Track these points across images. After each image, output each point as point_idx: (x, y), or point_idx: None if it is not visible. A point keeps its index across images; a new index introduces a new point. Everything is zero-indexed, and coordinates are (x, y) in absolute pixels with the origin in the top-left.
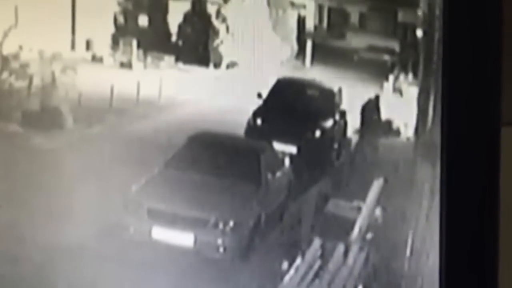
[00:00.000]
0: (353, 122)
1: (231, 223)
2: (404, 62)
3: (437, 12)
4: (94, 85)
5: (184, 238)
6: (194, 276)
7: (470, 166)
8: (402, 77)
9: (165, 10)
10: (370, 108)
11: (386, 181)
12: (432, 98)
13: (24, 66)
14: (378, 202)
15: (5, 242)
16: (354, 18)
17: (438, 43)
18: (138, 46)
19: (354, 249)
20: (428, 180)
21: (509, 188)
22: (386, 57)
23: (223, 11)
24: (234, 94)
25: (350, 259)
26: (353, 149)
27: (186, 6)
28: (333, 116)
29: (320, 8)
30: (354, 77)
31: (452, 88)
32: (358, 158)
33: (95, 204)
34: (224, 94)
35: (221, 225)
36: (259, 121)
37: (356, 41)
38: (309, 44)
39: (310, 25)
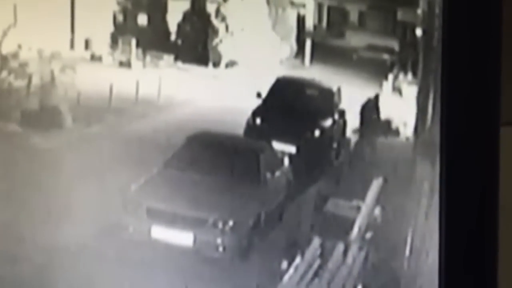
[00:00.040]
0: (353, 121)
1: (231, 223)
2: (404, 61)
3: (437, 11)
4: (93, 84)
5: (184, 238)
6: (194, 275)
7: (469, 165)
8: (401, 76)
9: (164, 9)
10: (370, 108)
11: (385, 180)
12: (431, 97)
13: (23, 65)
14: (377, 201)
15: (4, 242)
16: (354, 17)
17: (438, 42)
18: (137, 45)
19: (353, 248)
20: (427, 179)
21: (508, 187)
22: (386, 56)
23: (222, 10)
24: (233, 93)
25: (350, 258)
26: (353, 149)
27: (186, 5)
28: (332, 115)
29: (319, 7)
30: (353, 76)
31: (452, 88)
32: (357, 158)
33: (94, 203)
34: (223, 93)
35: (220, 225)
36: (258, 121)
37: (355, 40)
38: (308, 43)
39: (309, 24)
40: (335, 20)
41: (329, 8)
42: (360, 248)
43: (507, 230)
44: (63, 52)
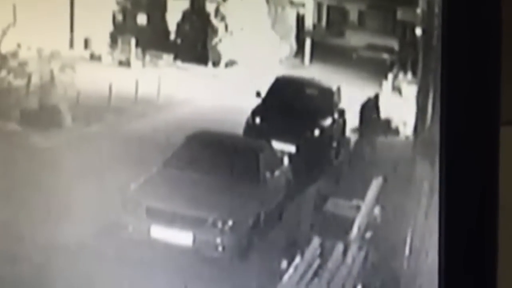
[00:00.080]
0: (352, 121)
1: (230, 222)
2: (403, 61)
3: (436, 10)
4: (93, 84)
5: (183, 237)
6: (193, 274)
7: (469, 165)
8: (401, 75)
9: (163, 9)
10: (370, 107)
11: (385, 180)
12: (431, 96)
13: (23, 64)
14: (377, 201)
15: (4, 241)
16: (353, 16)
17: (437, 41)
18: (137, 44)
19: (353, 248)
20: (427, 179)
21: (508, 187)
22: (385, 56)
23: (222, 9)
24: (233, 92)
25: (349, 258)
26: (352, 148)
27: (185, 5)
28: (332, 115)
29: (319, 6)
30: (353, 75)
31: (451, 87)
32: (357, 157)
33: (93, 203)
34: (223, 93)
35: (220, 224)
36: (258, 120)
37: (355, 39)
38: (308, 43)
39: (309, 23)
40: (335, 19)
41: (328, 8)
42: (360, 248)
43: (507, 230)
44: (63, 52)
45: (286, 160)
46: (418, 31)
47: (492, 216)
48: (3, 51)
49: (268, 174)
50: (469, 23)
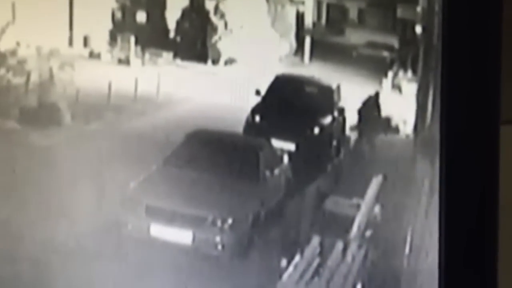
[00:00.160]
0: (352, 119)
1: (230, 221)
2: (403, 59)
3: (436, 8)
4: (92, 82)
5: (183, 236)
6: (193, 273)
7: (469, 164)
8: (401, 73)
9: (163, 6)
10: (370, 105)
11: (385, 178)
12: (431, 94)
13: (22, 62)
14: (377, 199)
15: (3, 240)
16: (353, 14)
17: (437, 39)
18: (136, 42)
19: (353, 246)
20: (427, 177)
21: (508, 186)
22: (385, 54)
23: (221, 7)
24: (232, 90)
25: (349, 257)
26: (352, 146)
27: (184, 2)
28: (331, 113)
29: (318, 4)
30: (353, 73)
31: (451, 86)
32: (357, 155)
33: (93, 201)
34: (222, 91)
35: (219, 223)
36: (257, 118)
37: (355, 37)
38: (307, 41)
39: (308, 21)
40: (335, 17)
41: (328, 5)
42: (360, 246)
43: (507, 228)
44: (62, 49)
45: (286, 158)
46: (418, 29)
47: (492, 215)
48: (2, 49)
49: (267, 173)
50: (470, 21)
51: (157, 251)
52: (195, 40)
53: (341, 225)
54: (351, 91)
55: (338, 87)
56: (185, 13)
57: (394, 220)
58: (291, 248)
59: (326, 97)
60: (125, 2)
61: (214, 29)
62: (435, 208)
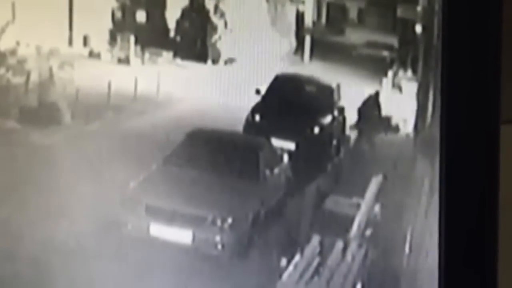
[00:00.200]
0: (352, 118)
1: (230, 220)
2: (403, 58)
3: (436, 7)
4: (92, 81)
5: (182, 235)
6: (192, 273)
7: (469, 163)
8: (401, 73)
9: (163, 6)
10: (370, 105)
11: (385, 177)
12: (431, 94)
13: (22, 62)
14: (377, 198)
15: (3, 239)
16: (353, 14)
17: (438, 38)
18: (136, 42)
19: (353, 246)
20: (427, 177)
21: (508, 185)
22: (385, 53)
23: (221, 6)
24: (232, 90)
25: (349, 256)
26: (352, 146)
27: (184, 1)
28: (331, 112)
29: (319, 3)
30: (353, 73)
31: (452, 85)
32: (357, 155)
33: (93, 200)
34: (222, 90)
35: (219, 222)
36: (257, 117)
37: (355, 36)
38: (307, 40)
39: (308, 20)
40: (335, 16)
41: (328, 5)
42: (360, 246)
43: (507, 228)
44: (62, 49)
45: (285, 158)
46: (418, 29)
47: (492, 215)
48: (2, 48)
49: (267, 172)
50: (470, 20)
51: (157, 250)
52: (195, 40)
53: (341, 225)
54: (351, 91)
55: (338, 87)
56: (185, 12)
57: (394, 219)
58: (291, 247)
59: (326, 97)
60: (125, 2)
61: (214, 29)
62: (435, 208)
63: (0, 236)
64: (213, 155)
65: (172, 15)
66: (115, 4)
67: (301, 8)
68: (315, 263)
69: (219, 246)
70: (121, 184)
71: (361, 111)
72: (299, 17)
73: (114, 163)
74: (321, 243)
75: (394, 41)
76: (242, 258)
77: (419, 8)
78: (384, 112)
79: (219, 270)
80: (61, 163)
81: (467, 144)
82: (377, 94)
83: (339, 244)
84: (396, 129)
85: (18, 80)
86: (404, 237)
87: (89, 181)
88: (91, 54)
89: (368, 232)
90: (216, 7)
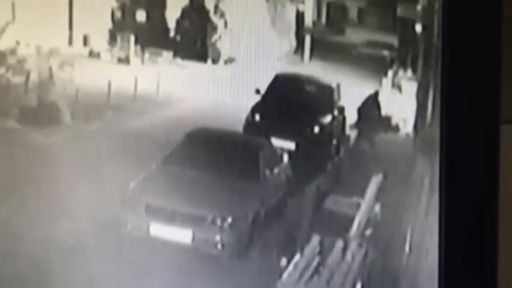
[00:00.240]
0: (352, 118)
1: (229, 220)
2: (403, 58)
3: (436, 6)
4: (92, 81)
5: (182, 235)
6: (192, 272)
7: (469, 163)
8: (401, 72)
9: (163, 5)
10: (370, 104)
11: (385, 177)
12: (431, 93)
13: (21, 61)
14: (377, 198)
15: (3, 239)
16: (353, 13)
17: (438, 38)
18: (136, 41)
19: (353, 245)
20: (427, 176)
21: (508, 185)
22: (385, 53)
23: (221, 6)
24: (232, 89)
25: (349, 256)
26: (352, 145)
27: (184, 1)
28: (331, 112)
29: (318, 2)
30: (353, 72)
31: (452, 85)
32: (357, 154)
33: (92, 200)
34: (222, 90)
35: (219, 222)
36: (257, 117)
37: (355, 36)
38: (307, 39)
39: (308, 20)
40: (335, 16)
41: (328, 4)
42: (360, 245)
43: (507, 228)
44: (62, 49)
45: (285, 157)
46: (418, 28)
47: (492, 215)
48: (2, 48)
49: (267, 171)
50: (470, 20)
51: (157, 250)
52: (195, 39)
53: (341, 224)
54: (351, 90)
55: (338, 86)
56: (185, 12)
57: (394, 219)
58: (291, 247)
59: (326, 96)
60: (125, 1)
61: (214, 28)
62: (435, 208)
63: (0, 236)
64: (213, 155)
65: (172, 14)
66: (115, 4)
67: (301, 7)
68: (315, 263)
69: (219, 246)
70: (121, 184)
71: (361, 111)
72: (299, 16)
73: (114, 163)
74: (321, 243)
75: (394, 40)
76: (242, 257)
77: (419, 7)
78: (384, 111)
79: (219, 270)
80: (61, 163)
81: (467, 144)
82: (376, 93)
83: (339, 244)
84: (396, 128)
85: (18, 79)
86: (404, 237)
87: (89, 181)
88: (91, 54)
89: (368, 231)
90: (216, 7)
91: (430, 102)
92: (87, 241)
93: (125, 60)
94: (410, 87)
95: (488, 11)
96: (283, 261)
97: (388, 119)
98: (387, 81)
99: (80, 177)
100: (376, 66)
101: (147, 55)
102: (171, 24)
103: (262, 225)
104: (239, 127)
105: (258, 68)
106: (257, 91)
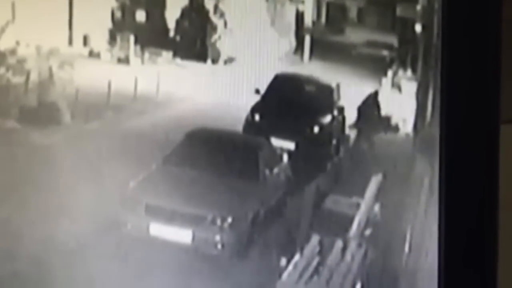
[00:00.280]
0: (352, 118)
1: (229, 220)
2: (403, 57)
3: (436, 6)
4: (92, 81)
5: (182, 235)
6: (192, 272)
7: (469, 163)
8: (400, 72)
9: (162, 5)
10: (369, 104)
11: (384, 177)
12: (431, 93)
13: (21, 61)
14: (376, 198)
15: (2, 239)
16: (353, 13)
17: (437, 38)
18: (136, 41)
19: (352, 245)
20: (426, 176)
21: (508, 185)
22: (385, 52)
23: (221, 6)
24: (232, 89)
25: (348, 256)
26: (352, 145)
27: (184, 1)
28: (331, 112)
29: (318, 2)
30: (352, 72)
31: (451, 85)
32: (357, 154)
33: (92, 200)
34: (222, 90)
35: (219, 222)
36: (257, 117)
37: (354, 36)
38: (307, 39)
39: (308, 20)
40: (334, 16)
41: (328, 4)
42: (359, 245)
43: (507, 227)
44: (61, 49)
45: (285, 157)
46: (418, 28)
47: (492, 215)
48: (2, 48)
49: (267, 171)
50: (469, 20)
51: (157, 250)
52: (194, 39)
53: (341, 224)
54: (351, 90)
55: (338, 86)
56: (184, 12)
57: (394, 219)
58: (291, 247)
59: (326, 96)
60: (125, 1)
61: (214, 28)
62: (434, 208)
63: (0, 236)
64: (212, 155)
65: (172, 14)
66: (114, 4)
67: (300, 7)
68: (314, 263)
69: (219, 246)
70: (120, 184)
71: (360, 110)
72: (299, 16)
73: (113, 163)
74: (320, 243)
75: (393, 40)
76: (242, 257)
77: (418, 7)
78: (384, 111)
79: (219, 270)
80: (61, 163)
81: (467, 144)
82: (376, 93)
83: (339, 244)
84: (396, 128)
85: (17, 80)
86: (404, 237)
87: (88, 180)
88: (91, 53)
89: (368, 231)
90: (216, 7)
91: (430, 102)
92: (87, 241)
93: (125, 60)
94: (409, 87)
95: (487, 10)
96: (283, 261)
97: (387, 119)
98: (386, 81)
99: (80, 177)
100: (376, 66)
101: (147, 55)
102: (171, 24)
103: (262, 225)
104: (239, 127)
105: (257, 68)
106: (257, 91)
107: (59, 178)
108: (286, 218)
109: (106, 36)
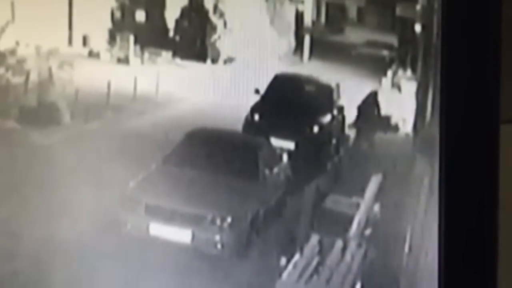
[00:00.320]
0: (352, 117)
1: (229, 219)
2: (403, 57)
3: (436, 6)
4: (91, 81)
5: (182, 235)
6: (192, 272)
7: (469, 163)
8: (400, 72)
9: (162, 5)
10: (369, 104)
11: (384, 176)
12: (430, 93)
13: (21, 61)
14: (376, 198)
15: (2, 238)
16: (352, 13)
17: (437, 37)
18: (135, 41)
19: (352, 245)
20: (426, 176)
21: (508, 185)
22: (385, 52)
23: (220, 6)
24: (231, 89)
25: (348, 255)
26: (351, 145)
27: (184, 1)
28: (331, 111)
29: (318, 2)
30: (352, 72)
31: (451, 85)
32: (356, 154)
33: (92, 200)
34: (221, 90)
35: (218, 222)
36: (257, 117)
37: (354, 36)
38: (307, 39)
39: (308, 20)
40: (334, 15)
41: (327, 4)
42: (359, 245)
43: (507, 227)
44: (61, 49)
45: (285, 157)
46: (418, 28)
47: (492, 215)
48: (2, 48)
49: (267, 171)
50: (469, 19)
51: (156, 250)
52: (194, 39)
53: (341, 224)
54: (351, 90)
55: (338, 86)
56: (184, 12)
57: (394, 219)
58: (291, 246)
59: (326, 96)
60: (124, 1)
61: (213, 28)
62: (434, 207)
63: (0, 236)
64: (212, 155)
65: (172, 15)
66: (114, 4)
67: (300, 7)
68: (314, 263)
69: (219, 246)
70: (120, 184)
71: (360, 109)
72: (299, 16)
73: (113, 163)
74: (320, 243)
75: (393, 40)
76: (242, 257)
77: (418, 7)
78: (384, 111)
79: (218, 270)
80: (61, 163)
81: (466, 144)
82: (376, 93)
83: (339, 244)
84: (396, 128)
85: (17, 80)
86: (404, 236)
87: (88, 180)
88: (90, 54)
89: (368, 231)
90: (216, 7)
91: (430, 101)
92: (87, 241)
93: (124, 60)
94: (409, 86)
95: (487, 10)
96: (283, 260)
97: (387, 118)
98: (386, 80)
99: (80, 177)
100: (376, 66)
101: (146, 55)
102: (171, 24)
103: (261, 225)
104: (239, 127)
105: (257, 68)
106: (257, 91)
107: (59, 178)
108: (285, 218)
109: (105, 36)
